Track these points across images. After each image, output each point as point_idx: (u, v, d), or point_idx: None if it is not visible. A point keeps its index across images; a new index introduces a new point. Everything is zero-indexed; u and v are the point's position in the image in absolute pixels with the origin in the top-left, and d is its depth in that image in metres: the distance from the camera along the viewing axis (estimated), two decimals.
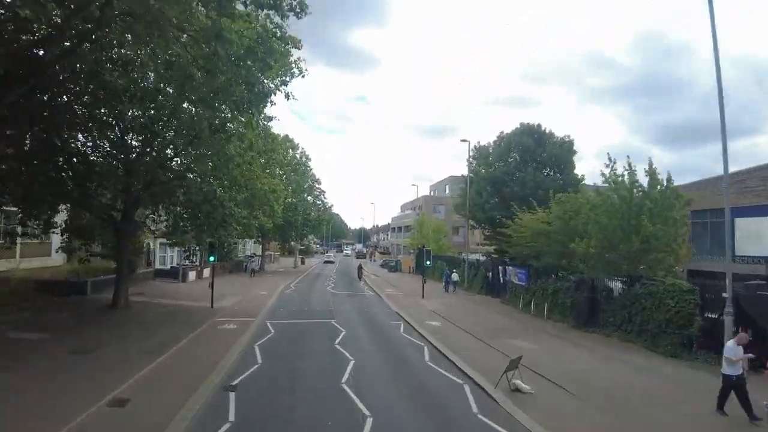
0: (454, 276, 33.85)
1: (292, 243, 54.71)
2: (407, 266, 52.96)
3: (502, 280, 27.98)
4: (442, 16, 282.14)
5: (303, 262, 62.60)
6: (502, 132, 34.87)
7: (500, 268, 28.14)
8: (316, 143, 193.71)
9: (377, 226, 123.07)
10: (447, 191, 65.23)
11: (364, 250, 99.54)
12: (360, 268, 41.78)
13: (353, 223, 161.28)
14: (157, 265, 34.41)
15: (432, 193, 67.90)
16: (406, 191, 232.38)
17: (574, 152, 34.97)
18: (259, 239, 45.69)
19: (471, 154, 34.51)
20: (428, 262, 27.97)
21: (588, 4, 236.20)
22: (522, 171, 31.66)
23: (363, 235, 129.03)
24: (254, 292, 27.81)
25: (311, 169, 48.66)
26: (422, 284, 27.64)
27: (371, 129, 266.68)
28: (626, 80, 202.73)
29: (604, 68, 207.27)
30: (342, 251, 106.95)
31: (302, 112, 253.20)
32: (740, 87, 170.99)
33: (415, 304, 25.07)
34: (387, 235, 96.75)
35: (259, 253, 52.13)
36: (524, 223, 23.99)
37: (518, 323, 20.10)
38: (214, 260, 20.91)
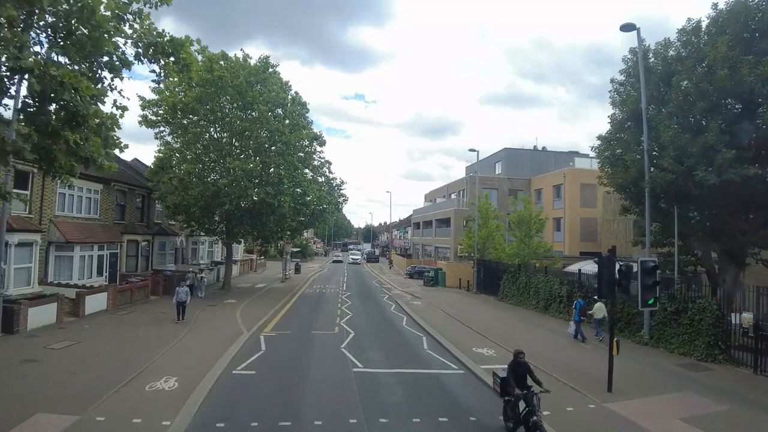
0: (599, 309, 16.65)
1: (281, 242, 36.58)
2: (455, 278, 35.08)
3: None
4: (442, 16, 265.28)
5: (298, 270, 44.31)
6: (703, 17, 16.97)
7: None
8: None
9: (385, 223, 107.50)
10: (499, 170, 47.24)
11: (376, 252, 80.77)
12: None
13: (355, 222, 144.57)
14: (12, 288, 16.85)
15: (474, 174, 49.69)
16: (407, 190, 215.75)
17: None
18: (223, 236, 27.43)
19: (642, 48, 16.38)
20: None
21: (588, 3, 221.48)
22: None
23: (372, 234, 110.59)
24: (149, 383, 10.12)
25: (310, 123, 28.16)
26: (610, 357, 9.99)
27: (371, 129, 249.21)
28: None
29: (605, 66, 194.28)
30: (347, 251, 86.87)
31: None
32: None
33: None
34: (407, 232, 77.58)
35: (237, 258, 34.22)
36: None
37: None
38: None
